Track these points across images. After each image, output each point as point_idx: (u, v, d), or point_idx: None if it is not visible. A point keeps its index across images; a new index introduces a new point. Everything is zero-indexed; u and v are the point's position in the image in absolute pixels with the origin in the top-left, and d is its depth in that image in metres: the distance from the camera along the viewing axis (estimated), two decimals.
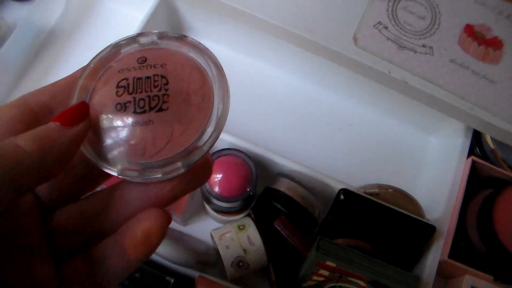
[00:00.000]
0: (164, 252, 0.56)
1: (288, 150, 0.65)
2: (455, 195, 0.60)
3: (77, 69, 0.26)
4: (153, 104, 0.23)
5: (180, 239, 0.58)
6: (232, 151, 0.58)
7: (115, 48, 0.26)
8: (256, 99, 0.71)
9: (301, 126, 0.71)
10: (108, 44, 0.26)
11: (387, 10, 0.60)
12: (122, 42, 0.26)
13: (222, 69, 0.26)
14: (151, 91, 0.24)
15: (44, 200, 0.24)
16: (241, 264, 0.56)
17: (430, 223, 0.57)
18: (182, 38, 0.26)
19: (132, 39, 0.26)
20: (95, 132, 0.23)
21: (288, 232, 0.57)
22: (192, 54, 0.26)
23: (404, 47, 0.58)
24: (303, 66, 0.71)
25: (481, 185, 0.62)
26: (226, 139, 0.61)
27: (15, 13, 0.71)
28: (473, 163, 0.62)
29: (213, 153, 0.58)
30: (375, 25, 0.59)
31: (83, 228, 0.24)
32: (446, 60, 0.58)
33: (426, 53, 0.58)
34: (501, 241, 0.56)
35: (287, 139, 0.69)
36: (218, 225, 0.61)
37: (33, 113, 0.24)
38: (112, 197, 0.24)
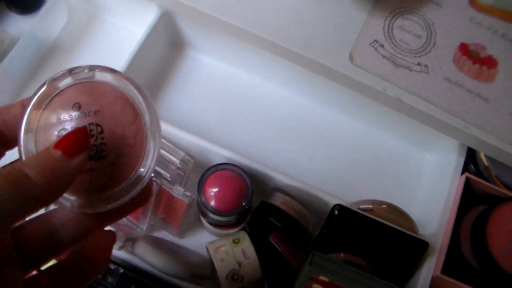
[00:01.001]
0: (159, 265, 0.56)
1: (283, 165, 0.66)
2: (448, 211, 0.61)
3: (19, 100, 0.28)
4: (91, 153, 0.26)
5: (176, 252, 0.59)
6: (228, 166, 0.59)
7: (51, 83, 0.27)
8: (253, 114, 0.72)
9: (297, 141, 0.72)
10: (44, 82, 0.28)
11: (383, 29, 0.61)
12: (57, 76, 0.28)
13: (147, 95, 0.28)
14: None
15: None
16: (235, 277, 0.57)
17: (423, 239, 0.58)
18: (110, 69, 0.28)
19: (66, 74, 0.28)
20: None
21: (282, 246, 0.58)
22: (119, 84, 0.27)
23: (400, 65, 0.59)
24: (299, 83, 0.72)
25: (474, 202, 0.62)
26: (222, 154, 0.62)
27: (19, 26, 0.72)
28: (467, 180, 0.62)
29: (209, 168, 0.58)
30: (371, 43, 0.60)
31: (45, 240, 0.26)
32: (441, 78, 0.59)
33: (421, 71, 0.59)
34: (494, 257, 0.56)
35: (282, 154, 0.70)
36: (213, 238, 0.62)
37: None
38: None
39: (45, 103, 0.27)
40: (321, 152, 0.71)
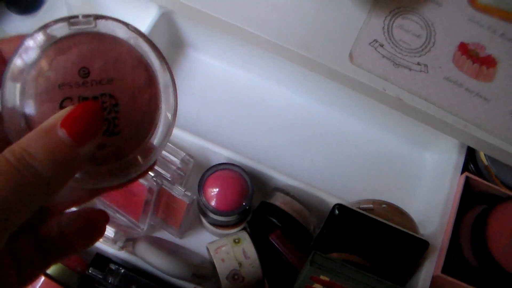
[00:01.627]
0: (160, 265, 0.56)
1: (284, 165, 0.66)
2: (448, 211, 0.61)
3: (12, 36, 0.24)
4: (103, 129, 0.22)
5: (176, 252, 0.59)
6: (228, 166, 0.59)
7: (45, 30, 0.23)
8: (253, 114, 0.72)
9: (297, 141, 0.72)
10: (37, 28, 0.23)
11: (383, 28, 0.61)
12: (53, 25, 0.23)
13: (163, 56, 0.25)
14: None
15: None
16: (236, 277, 0.57)
17: (423, 238, 0.58)
18: (119, 20, 0.24)
19: (65, 24, 0.23)
20: None
21: (283, 246, 0.58)
22: (132, 41, 0.24)
23: (400, 65, 0.59)
24: (300, 82, 0.72)
25: (474, 201, 0.62)
26: (222, 154, 0.62)
27: (18, 26, 0.72)
28: (467, 179, 0.63)
29: (210, 168, 0.59)
30: (371, 42, 0.60)
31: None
32: (441, 77, 0.59)
33: (421, 71, 0.59)
34: (494, 256, 0.56)
35: (283, 154, 0.70)
36: (214, 238, 0.62)
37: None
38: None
39: (43, 54, 0.23)
40: (321, 152, 0.71)
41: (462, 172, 0.64)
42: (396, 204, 0.61)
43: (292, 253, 0.58)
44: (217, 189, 0.57)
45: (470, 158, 0.66)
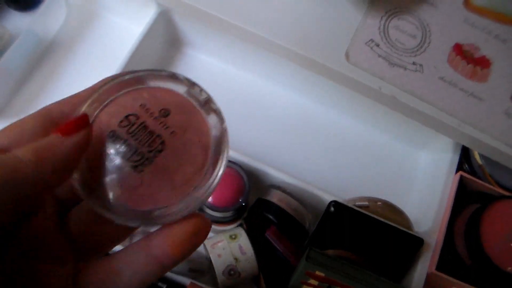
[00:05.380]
0: None
1: (280, 162, 0.66)
2: (443, 209, 0.62)
3: (99, 80, 0.26)
4: (133, 158, 0.23)
5: None
6: None
7: (143, 76, 0.25)
8: (251, 112, 0.73)
9: (293, 138, 0.72)
10: (142, 69, 0.26)
11: (379, 28, 0.61)
12: (157, 73, 0.26)
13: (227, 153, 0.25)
14: (142, 146, 0.24)
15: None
16: (232, 272, 0.57)
17: (418, 235, 0.59)
18: (221, 115, 0.26)
19: (173, 79, 0.26)
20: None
21: (279, 242, 0.59)
22: (214, 130, 0.25)
23: (395, 64, 0.59)
24: (296, 81, 0.73)
25: (469, 200, 0.63)
26: None
27: (18, 23, 0.73)
28: (461, 178, 0.63)
29: None
30: (367, 42, 0.60)
31: (96, 230, 0.24)
32: (436, 77, 0.60)
33: (416, 71, 0.60)
34: (488, 254, 0.57)
35: (279, 151, 0.71)
36: (211, 234, 0.62)
37: (54, 122, 0.24)
38: None
39: (131, 87, 0.25)
40: (317, 150, 0.72)
41: (456, 171, 0.64)
42: (391, 201, 0.61)
43: (288, 249, 0.59)
44: None
45: (465, 158, 0.67)
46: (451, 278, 0.58)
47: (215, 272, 0.57)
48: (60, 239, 0.23)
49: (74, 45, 0.74)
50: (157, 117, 0.24)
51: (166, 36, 0.74)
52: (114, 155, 0.23)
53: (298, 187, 0.62)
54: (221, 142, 0.25)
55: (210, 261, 0.57)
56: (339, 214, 0.58)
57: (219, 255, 0.57)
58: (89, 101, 0.24)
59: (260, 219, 0.61)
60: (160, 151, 0.24)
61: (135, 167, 0.23)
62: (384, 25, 0.62)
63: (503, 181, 0.64)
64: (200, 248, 0.62)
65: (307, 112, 0.74)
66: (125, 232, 0.25)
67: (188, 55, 0.76)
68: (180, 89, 0.26)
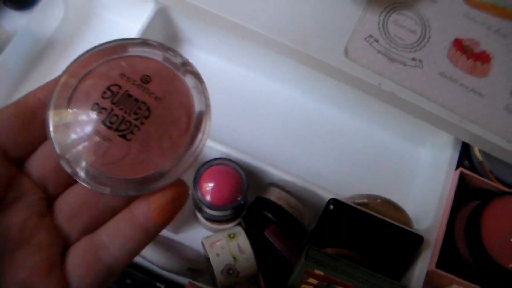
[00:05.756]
0: (155, 259, 0.56)
1: (279, 160, 0.66)
2: (443, 206, 0.61)
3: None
4: (121, 127, 0.24)
5: (171, 247, 0.59)
6: (223, 161, 0.59)
7: (119, 43, 0.26)
8: (249, 110, 0.73)
9: (292, 136, 0.72)
10: (114, 39, 0.26)
11: (378, 24, 0.61)
12: (131, 41, 0.26)
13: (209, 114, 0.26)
14: (129, 115, 0.24)
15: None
16: (231, 271, 0.57)
17: (418, 233, 0.58)
18: (199, 76, 0.26)
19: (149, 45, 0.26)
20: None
21: (278, 241, 0.58)
22: (196, 98, 0.26)
23: (394, 60, 0.59)
24: (295, 77, 0.72)
25: (469, 197, 0.63)
26: (217, 149, 0.62)
27: (15, 22, 0.72)
28: (462, 175, 0.63)
29: (205, 163, 0.59)
30: (366, 38, 0.60)
31: (84, 212, 0.24)
32: (435, 73, 0.59)
33: (415, 66, 0.59)
34: (488, 251, 0.56)
35: (278, 149, 0.70)
36: (209, 233, 0.62)
37: (30, 109, 0.25)
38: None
39: (108, 57, 0.25)
40: (316, 147, 0.72)
41: (456, 168, 0.64)
42: (390, 199, 0.61)
43: (287, 247, 0.58)
44: (212, 184, 0.57)
45: (465, 154, 0.66)
46: (451, 276, 0.58)
47: (213, 272, 0.57)
48: (42, 226, 0.23)
49: (72, 44, 0.74)
50: (139, 85, 0.24)
51: (164, 33, 0.74)
52: (100, 126, 0.24)
53: (297, 185, 0.62)
54: (202, 102, 0.26)
55: (209, 260, 0.57)
56: (338, 212, 0.58)
57: (217, 254, 0.57)
58: (65, 76, 0.25)
59: (259, 217, 0.60)
60: (147, 117, 0.24)
61: (123, 136, 0.23)
62: (383, 21, 0.61)
63: (504, 177, 0.64)
64: (199, 247, 0.62)
65: (306, 109, 0.74)
66: (118, 205, 0.25)
67: (186, 52, 0.76)
68: (156, 55, 0.26)
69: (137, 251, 0.24)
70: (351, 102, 0.72)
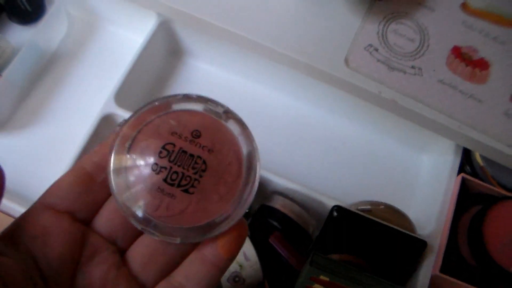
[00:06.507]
0: None
1: (282, 169, 0.67)
2: (446, 211, 0.62)
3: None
4: (182, 183, 0.26)
5: None
6: None
7: (165, 101, 0.28)
8: (252, 120, 0.72)
9: (295, 145, 0.73)
10: (155, 99, 0.28)
11: (378, 33, 0.62)
12: (174, 97, 0.28)
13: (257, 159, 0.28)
14: (187, 170, 0.26)
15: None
16: (237, 279, 0.57)
17: (421, 238, 0.59)
18: (242, 122, 0.29)
19: (192, 100, 0.28)
20: (125, 171, 0.26)
21: (283, 248, 0.59)
22: (242, 142, 0.28)
23: (394, 68, 0.60)
24: (297, 87, 0.73)
25: (471, 202, 0.63)
26: None
27: (20, 36, 0.73)
28: (463, 180, 0.63)
29: None
30: (366, 47, 0.61)
31: (157, 260, 0.26)
32: (435, 80, 0.60)
33: (415, 74, 0.60)
34: (491, 255, 0.57)
35: (281, 157, 0.71)
36: None
37: (88, 174, 0.27)
38: None
39: (154, 117, 0.27)
40: (319, 156, 0.72)
41: (458, 173, 0.65)
42: (393, 205, 0.61)
43: (292, 254, 0.59)
44: None
45: (466, 160, 0.67)
46: (455, 280, 0.58)
47: (220, 279, 0.57)
48: (121, 277, 0.26)
49: (76, 57, 0.75)
50: (191, 140, 0.26)
51: (166, 45, 0.75)
52: (163, 185, 0.26)
53: (301, 193, 0.62)
54: (249, 144, 0.28)
55: None
56: (342, 218, 0.58)
57: None
58: (117, 142, 0.26)
59: (264, 225, 0.61)
60: (204, 170, 0.26)
61: (186, 190, 0.25)
62: (382, 30, 0.62)
63: (505, 182, 0.64)
64: None
65: (308, 118, 0.74)
66: (186, 248, 0.27)
67: (189, 64, 0.77)
68: (198, 107, 0.28)
69: (211, 287, 0.26)
70: (353, 110, 0.72)
